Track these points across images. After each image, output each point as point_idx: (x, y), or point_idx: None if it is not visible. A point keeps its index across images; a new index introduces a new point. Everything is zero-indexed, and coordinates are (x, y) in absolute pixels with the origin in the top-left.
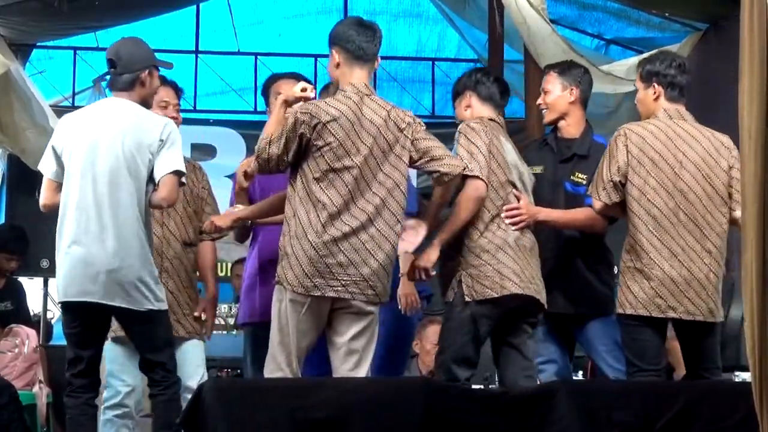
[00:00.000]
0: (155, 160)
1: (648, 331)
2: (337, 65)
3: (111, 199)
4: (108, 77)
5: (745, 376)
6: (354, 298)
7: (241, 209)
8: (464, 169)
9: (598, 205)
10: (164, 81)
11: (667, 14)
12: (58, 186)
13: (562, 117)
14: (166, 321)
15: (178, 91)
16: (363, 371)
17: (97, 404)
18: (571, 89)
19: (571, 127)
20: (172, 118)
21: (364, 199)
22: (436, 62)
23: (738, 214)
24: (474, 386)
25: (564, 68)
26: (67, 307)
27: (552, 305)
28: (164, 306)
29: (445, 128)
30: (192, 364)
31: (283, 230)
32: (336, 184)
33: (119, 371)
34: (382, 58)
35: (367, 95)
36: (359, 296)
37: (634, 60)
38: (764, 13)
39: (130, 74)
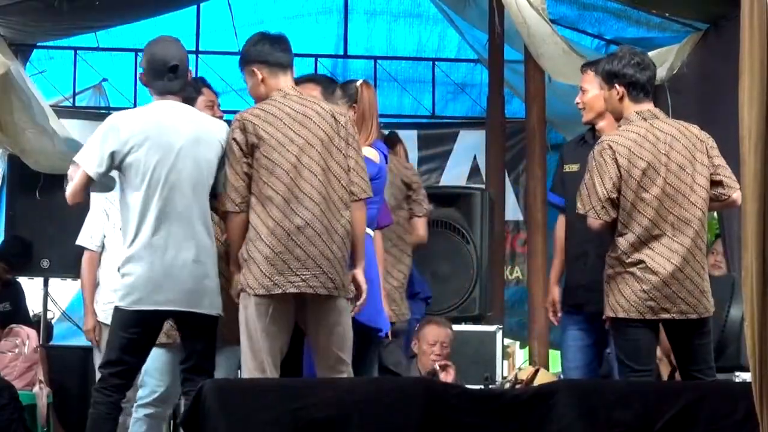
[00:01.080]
0: (219, 171)
1: (641, 332)
2: (262, 80)
3: (194, 208)
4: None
5: (745, 376)
6: (316, 292)
7: None
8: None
9: (597, 224)
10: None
11: (667, 14)
12: (91, 184)
13: (599, 116)
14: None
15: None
16: (346, 365)
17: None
18: (609, 87)
19: (609, 126)
20: (218, 117)
21: (302, 191)
22: (436, 62)
23: (736, 195)
24: (474, 386)
25: (602, 66)
26: (136, 314)
27: (591, 303)
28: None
29: (445, 128)
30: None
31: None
32: (278, 174)
33: (159, 372)
34: (382, 58)
35: (296, 95)
36: (321, 289)
37: None
38: (764, 14)
39: (184, 78)
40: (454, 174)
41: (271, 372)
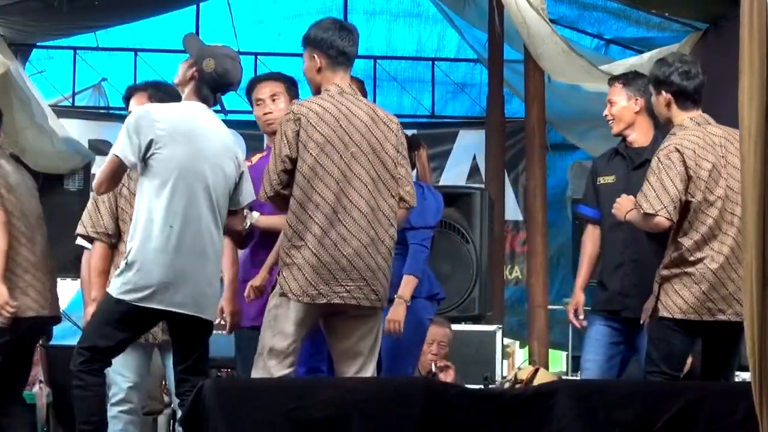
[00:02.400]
0: (234, 186)
1: (685, 336)
2: (319, 69)
3: (212, 214)
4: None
5: (744, 376)
6: (359, 303)
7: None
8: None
9: (666, 223)
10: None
11: (666, 14)
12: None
13: (629, 127)
14: None
15: None
16: (369, 373)
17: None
18: (636, 99)
19: (640, 136)
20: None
21: (350, 200)
22: (435, 62)
23: None
24: (474, 386)
25: (628, 79)
26: (139, 310)
27: (629, 310)
28: None
29: (444, 128)
30: None
31: (281, 239)
32: (326, 182)
33: (121, 367)
34: (382, 57)
35: (352, 95)
36: (364, 301)
37: (634, 60)
38: (764, 13)
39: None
40: (454, 174)
41: (292, 372)
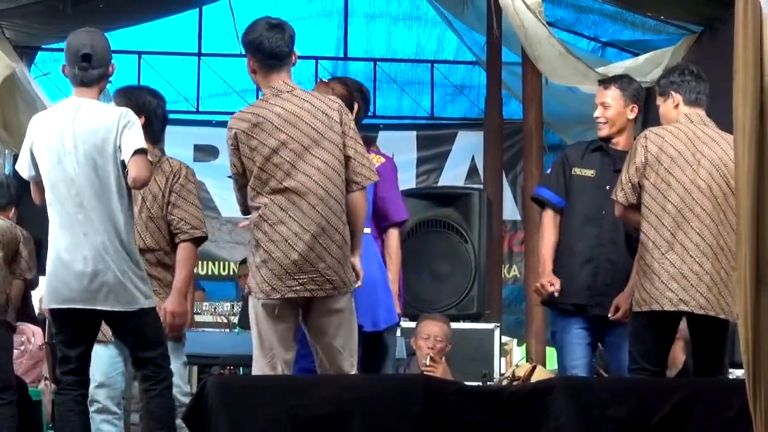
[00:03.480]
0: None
1: (654, 329)
2: (254, 72)
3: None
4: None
5: (738, 373)
6: (314, 295)
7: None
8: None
9: (618, 208)
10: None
11: (662, 17)
12: None
13: (619, 132)
14: (156, 317)
15: None
16: (349, 366)
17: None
18: (632, 107)
19: (626, 141)
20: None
21: (299, 195)
22: (435, 64)
23: None
24: (472, 383)
25: (624, 84)
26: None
27: (601, 307)
28: (153, 303)
29: (443, 129)
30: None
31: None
32: (271, 183)
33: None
34: (382, 60)
35: (288, 92)
36: (317, 291)
37: (630, 62)
38: (758, 15)
39: (103, 68)
40: (453, 174)
41: (280, 370)
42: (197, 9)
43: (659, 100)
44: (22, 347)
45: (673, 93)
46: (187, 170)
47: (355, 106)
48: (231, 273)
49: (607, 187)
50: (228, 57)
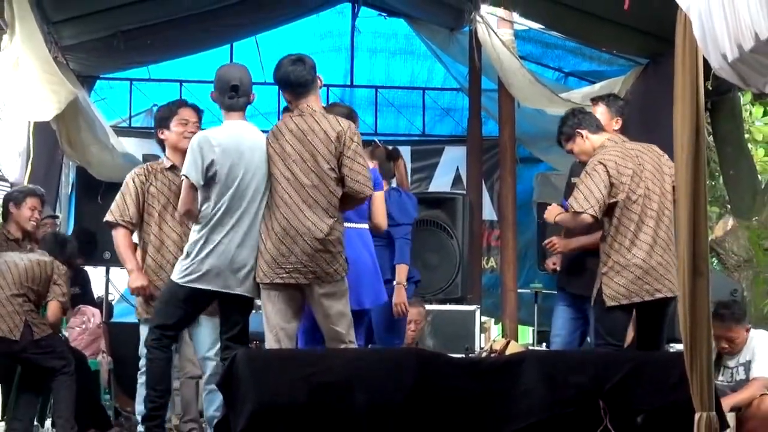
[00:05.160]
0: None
1: (624, 313)
2: (289, 101)
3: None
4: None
5: (678, 347)
6: (298, 282)
7: None
8: None
9: (590, 219)
10: (186, 103)
11: (614, 51)
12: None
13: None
14: None
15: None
16: (350, 336)
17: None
18: (617, 119)
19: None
20: (191, 132)
21: (284, 200)
22: (426, 91)
23: None
24: (457, 355)
25: (610, 100)
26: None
27: (573, 286)
28: None
29: (433, 145)
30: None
31: None
32: (278, 188)
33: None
34: (382, 87)
35: (310, 114)
36: (302, 280)
37: (588, 89)
38: (694, 50)
39: (247, 98)
40: (440, 182)
41: (285, 344)
42: (229, 45)
43: (569, 146)
44: (84, 326)
45: (580, 131)
46: None
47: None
48: None
49: None
50: (255, 85)
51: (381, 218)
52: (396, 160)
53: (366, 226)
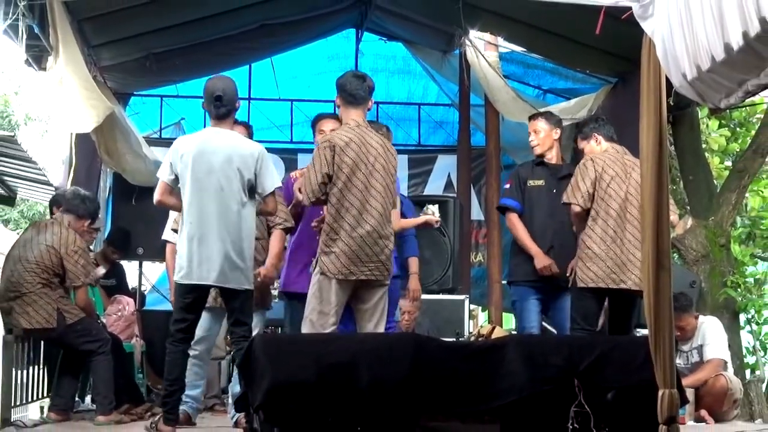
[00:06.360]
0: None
1: (595, 300)
2: (339, 107)
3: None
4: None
5: (644, 332)
6: (376, 278)
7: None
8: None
9: (577, 209)
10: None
11: (587, 71)
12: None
13: (549, 149)
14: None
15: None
16: (382, 327)
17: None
18: (555, 130)
19: (555, 156)
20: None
21: (370, 205)
22: (421, 106)
23: (673, 218)
24: (448, 339)
25: (547, 116)
26: (185, 287)
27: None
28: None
29: (427, 154)
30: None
31: (321, 232)
32: (353, 192)
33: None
34: (383, 102)
35: (365, 128)
36: (379, 276)
37: (564, 104)
38: (658, 70)
39: (230, 107)
40: (434, 186)
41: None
42: (247, 65)
43: (583, 143)
44: (119, 313)
45: (596, 135)
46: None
47: None
48: None
49: (554, 191)
50: (270, 101)
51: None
52: None
53: None
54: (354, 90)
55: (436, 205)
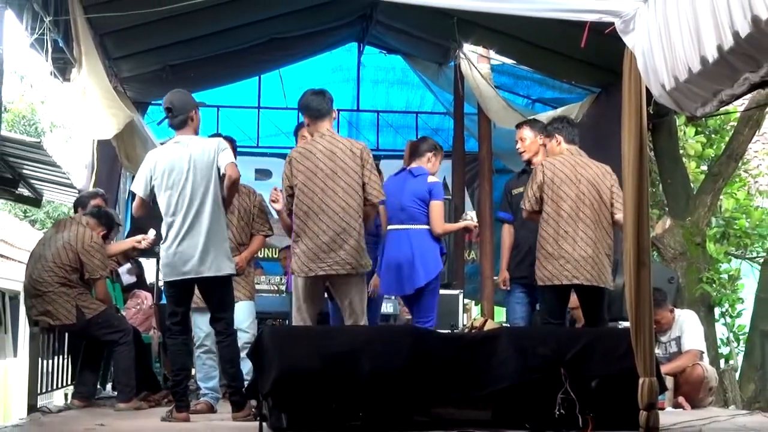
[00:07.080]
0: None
1: (555, 296)
2: (308, 124)
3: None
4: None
5: (625, 324)
6: (337, 273)
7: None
8: None
9: (524, 213)
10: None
11: (573, 82)
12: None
13: (535, 155)
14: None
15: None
16: (360, 320)
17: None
18: (540, 136)
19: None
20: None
21: (327, 206)
22: (418, 114)
23: (619, 216)
24: (444, 331)
25: (531, 123)
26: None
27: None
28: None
29: None
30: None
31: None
32: (309, 196)
33: (201, 323)
34: (383, 111)
35: (330, 136)
36: (340, 270)
37: (551, 113)
38: (638, 81)
39: (183, 115)
40: None
41: (309, 323)
42: (257, 77)
43: (545, 140)
44: (138, 307)
45: (558, 135)
46: (260, 194)
47: None
48: (277, 256)
49: None
50: (278, 109)
51: (435, 224)
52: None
53: (411, 226)
54: (318, 106)
55: (474, 211)
